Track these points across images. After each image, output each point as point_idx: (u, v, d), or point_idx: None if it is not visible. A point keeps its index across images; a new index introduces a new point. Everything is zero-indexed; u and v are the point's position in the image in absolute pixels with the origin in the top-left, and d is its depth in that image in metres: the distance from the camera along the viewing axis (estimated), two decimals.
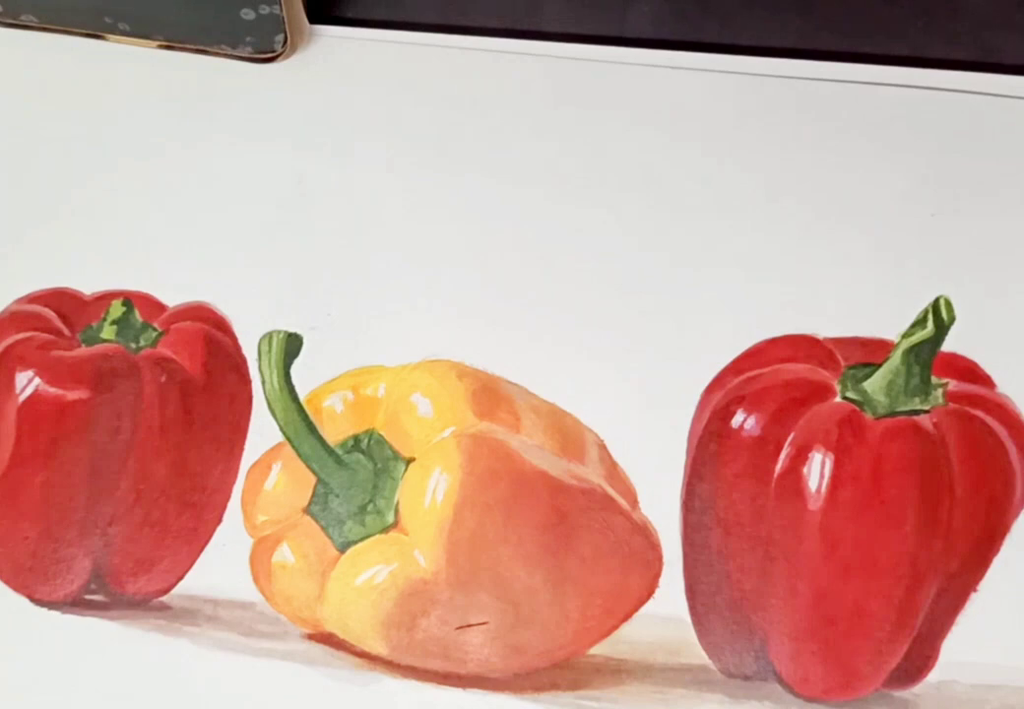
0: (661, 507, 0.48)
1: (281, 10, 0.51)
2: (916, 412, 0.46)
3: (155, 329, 0.52)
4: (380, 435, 0.49)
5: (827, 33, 0.52)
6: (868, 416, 0.46)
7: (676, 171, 0.51)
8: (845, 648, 0.46)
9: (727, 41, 0.52)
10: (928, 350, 0.47)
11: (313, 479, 0.49)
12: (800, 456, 0.46)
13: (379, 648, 0.47)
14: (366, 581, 0.46)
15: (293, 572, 0.48)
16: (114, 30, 0.53)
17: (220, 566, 0.50)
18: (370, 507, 0.48)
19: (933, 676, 0.47)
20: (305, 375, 0.50)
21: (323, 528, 0.48)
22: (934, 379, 0.47)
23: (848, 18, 0.52)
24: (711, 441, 0.48)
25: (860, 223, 0.50)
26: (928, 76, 0.51)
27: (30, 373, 0.50)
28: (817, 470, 0.46)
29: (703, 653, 0.48)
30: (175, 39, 0.54)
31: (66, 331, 0.52)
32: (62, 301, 0.52)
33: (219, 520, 0.51)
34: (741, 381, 0.48)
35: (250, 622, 0.50)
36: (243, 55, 0.53)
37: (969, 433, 0.46)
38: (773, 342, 0.49)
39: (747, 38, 0.52)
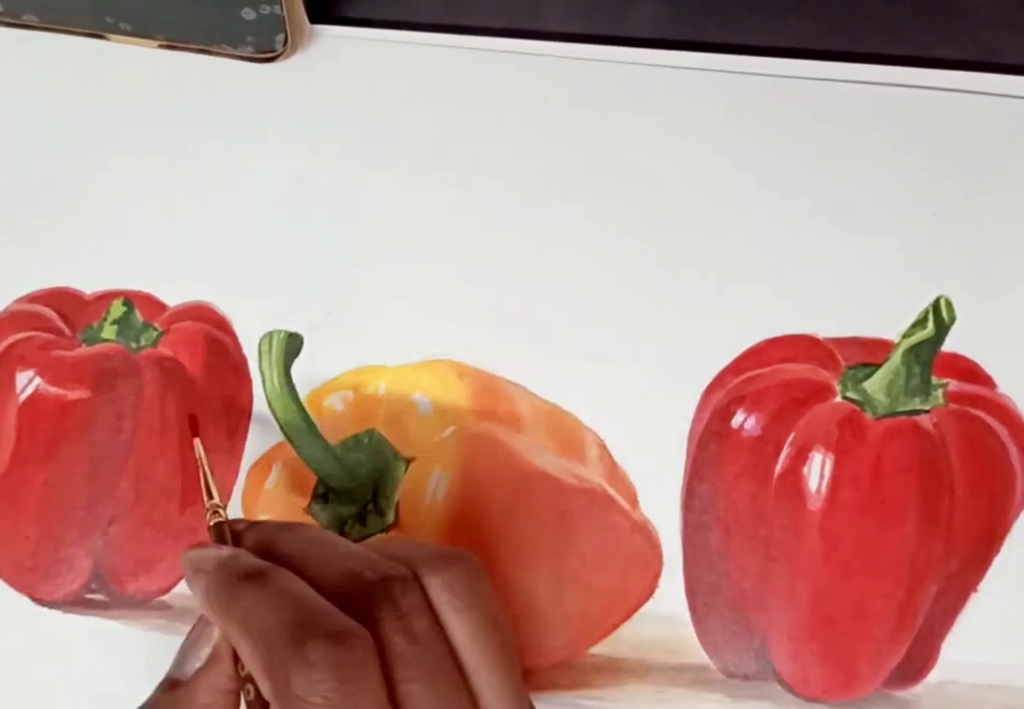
0: (661, 507, 0.48)
1: (282, 10, 0.51)
2: (916, 412, 0.46)
3: (156, 329, 0.52)
4: (380, 435, 0.49)
5: (827, 33, 0.52)
6: (868, 416, 0.46)
7: (676, 171, 0.51)
8: (845, 648, 0.46)
9: (728, 41, 0.52)
10: (928, 350, 0.47)
11: (313, 479, 0.49)
12: (800, 456, 0.46)
13: None
14: None
15: None
16: (115, 30, 0.53)
17: None
18: (370, 507, 0.48)
19: (933, 676, 0.47)
20: (305, 375, 0.50)
21: (323, 528, 0.48)
22: (934, 379, 0.47)
23: (848, 18, 0.52)
24: (711, 441, 0.48)
25: (860, 223, 0.50)
26: (928, 76, 0.50)
27: (31, 373, 0.50)
28: (817, 470, 0.46)
29: (703, 653, 0.48)
30: (176, 39, 0.53)
31: (67, 331, 0.52)
32: (62, 301, 0.52)
33: None
34: (741, 381, 0.48)
35: None
36: (244, 55, 0.53)
37: (969, 433, 0.46)
38: (773, 342, 0.49)
39: (747, 38, 0.52)
